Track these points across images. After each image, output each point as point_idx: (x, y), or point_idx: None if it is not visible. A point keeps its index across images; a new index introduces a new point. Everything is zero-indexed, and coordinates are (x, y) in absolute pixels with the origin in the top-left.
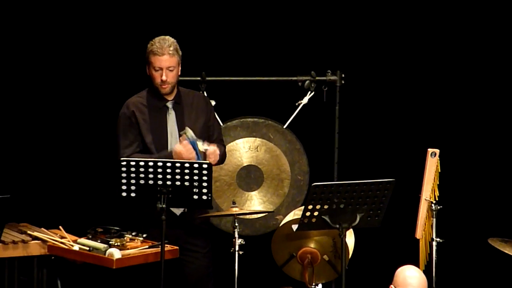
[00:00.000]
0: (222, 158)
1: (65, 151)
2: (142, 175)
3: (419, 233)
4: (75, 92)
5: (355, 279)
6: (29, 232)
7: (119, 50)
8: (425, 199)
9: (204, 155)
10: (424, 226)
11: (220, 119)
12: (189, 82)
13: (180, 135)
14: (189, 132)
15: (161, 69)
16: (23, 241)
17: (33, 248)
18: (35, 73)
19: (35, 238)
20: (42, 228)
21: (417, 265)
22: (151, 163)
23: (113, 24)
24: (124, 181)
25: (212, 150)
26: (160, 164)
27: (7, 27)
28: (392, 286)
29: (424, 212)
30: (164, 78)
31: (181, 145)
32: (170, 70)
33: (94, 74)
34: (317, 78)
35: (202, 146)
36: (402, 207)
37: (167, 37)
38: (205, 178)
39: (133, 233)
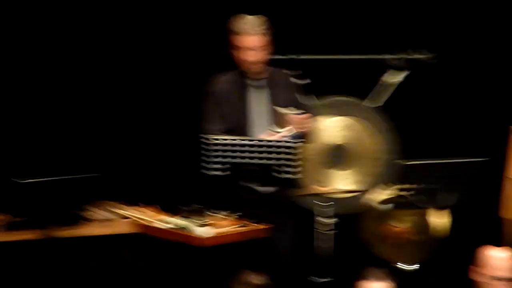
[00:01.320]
0: (308, 134)
1: (155, 129)
2: (230, 154)
3: (503, 212)
4: (165, 68)
5: (443, 258)
6: (118, 210)
7: (209, 27)
8: (510, 177)
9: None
10: (508, 205)
11: (310, 98)
12: (279, 61)
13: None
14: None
15: (247, 48)
16: (113, 220)
17: (123, 226)
18: (126, 52)
19: (125, 216)
20: (132, 206)
21: (501, 245)
22: (239, 142)
23: (203, 2)
24: (212, 159)
25: (299, 117)
26: (247, 142)
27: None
28: (474, 267)
29: (508, 190)
30: (250, 58)
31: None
32: (256, 50)
33: (182, 52)
34: (409, 56)
35: (286, 110)
36: (486, 185)
37: (253, 16)
38: (293, 157)
39: (224, 212)
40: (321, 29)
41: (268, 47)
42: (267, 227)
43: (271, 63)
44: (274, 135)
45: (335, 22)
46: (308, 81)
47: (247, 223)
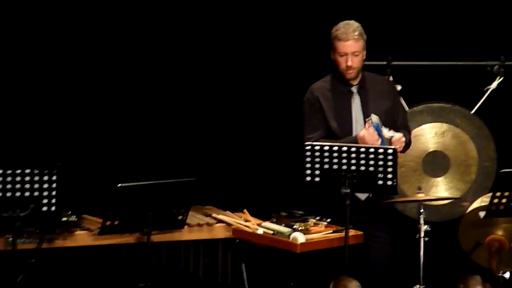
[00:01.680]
0: (407, 144)
1: (250, 135)
2: (326, 160)
3: None
4: (261, 76)
5: None
6: (214, 215)
7: (304, 34)
8: None
9: (389, 142)
10: None
11: (406, 104)
12: (375, 67)
13: (365, 121)
14: (374, 118)
15: (346, 54)
16: (208, 224)
17: (218, 231)
18: (229, 63)
19: (220, 221)
20: (227, 211)
21: None
22: (335, 148)
23: (298, 9)
24: (308, 165)
25: (398, 137)
26: (344, 149)
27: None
28: None
29: None
30: (349, 63)
31: (366, 130)
32: (355, 55)
33: (279, 59)
34: (506, 62)
35: (387, 132)
36: None
37: (352, 21)
38: (390, 163)
39: (317, 218)
40: (419, 36)
41: (362, 53)
42: (362, 233)
43: (367, 68)
44: (369, 126)
45: (432, 28)
46: (400, 87)
47: (341, 229)
